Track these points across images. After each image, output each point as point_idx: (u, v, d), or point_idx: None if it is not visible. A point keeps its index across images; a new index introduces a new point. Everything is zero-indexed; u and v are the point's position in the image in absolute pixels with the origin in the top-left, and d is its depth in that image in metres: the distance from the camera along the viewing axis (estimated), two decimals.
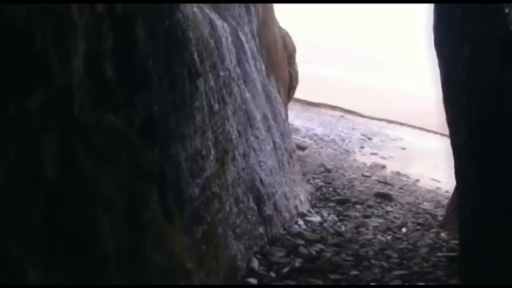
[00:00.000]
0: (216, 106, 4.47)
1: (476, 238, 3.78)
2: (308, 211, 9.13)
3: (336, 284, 5.52)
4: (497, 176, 3.40)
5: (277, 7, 11.52)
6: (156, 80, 2.32)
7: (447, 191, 15.25)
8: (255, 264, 5.54)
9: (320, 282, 5.46)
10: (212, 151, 3.90)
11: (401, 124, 28.81)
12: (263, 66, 9.16)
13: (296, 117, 24.84)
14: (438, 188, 16.18)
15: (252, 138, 6.50)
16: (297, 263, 5.93)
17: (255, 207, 6.09)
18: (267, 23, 10.43)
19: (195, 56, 3.54)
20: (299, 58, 13.76)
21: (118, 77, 2.03)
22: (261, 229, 6.20)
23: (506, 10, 3.21)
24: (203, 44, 4.38)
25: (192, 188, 3.09)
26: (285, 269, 5.70)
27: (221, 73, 5.24)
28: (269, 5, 10.62)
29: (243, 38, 7.63)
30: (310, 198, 10.19)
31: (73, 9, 1.86)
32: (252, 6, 8.69)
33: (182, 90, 2.92)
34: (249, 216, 5.74)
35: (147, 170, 2.21)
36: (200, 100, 3.53)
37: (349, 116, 29.27)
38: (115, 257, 1.87)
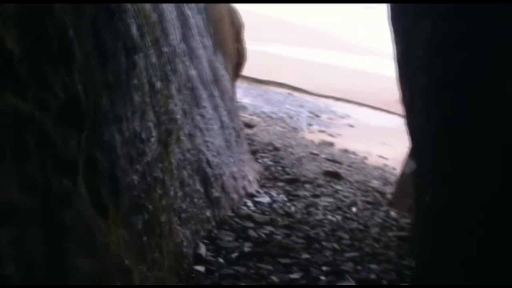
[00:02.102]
0: (159, 84, 4.15)
1: (435, 223, 3.62)
2: (257, 191, 8.92)
3: (287, 268, 5.33)
4: (458, 159, 3.23)
5: None
6: (79, 55, 1.98)
7: (394, 168, 15.36)
8: (203, 250, 5.30)
9: (270, 267, 5.26)
10: (154, 133, 3.60)
11: (349, 101, 28.93)
12: (210, 42, 8.83)
13: (243, 95, 24.58)
14: (385, 165, 16.30)
15: (198, 118, 6.21)
16: (246, 247, 5.71)
17: (202, 190, 5.83)
18: None
19: (133, 29, 3.21)
20: (247, 34, 13.45)
21: (24, 50, 1.69)
22: (208, 213, 5.95)
23: None
24: (144, 17, 4.04)
25: (130, 176, 2.80)
26: (234, 254, 5.48)
27: (165, 49, 4.92)
28: None
29: (188, 13, 7.29)
30: (258, 178, 9.98)
31: None
32: None
33: (116, 67, 2.60)
34: (195, 200, 5.47)
35: (69, 162, 1.89)
36: (139, 78, 3.21)
37: (297, 94, 29.19)
38: (20, 276, 1.56)
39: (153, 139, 3.53)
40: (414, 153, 4.53)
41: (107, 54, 2.42)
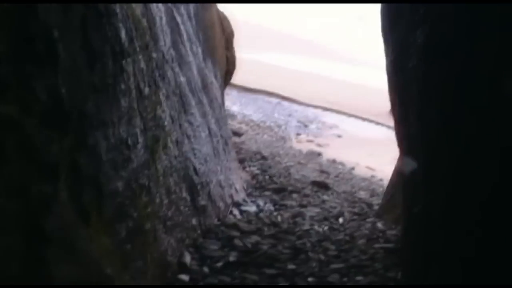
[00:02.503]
0: (147, 90, 4.10)
1: (427, 236, 3.58)
2: (244, 200, 8.87)
3: (273, 278, 5.28)
4: (451, 170, 3.20)
5: None
6: (64, 57, 1.93)
7: (381, 179, 15.36)
8: (187, 258, 5.23)
9: (255, 278, 5.20)
10: (141, 139, 3.54)
11: (338, 111, 28.95)
12: (199, 49, 8.79)
13: (232, 103, 24.55)
14: (372, 176, 16.29)
15: (186, 125, 6.15)
16: (232, 256, 5.65)
17: (188, 198, 5.77)
18: (204, 5, 10.04)
19: (122, 34, 3.16)
20: (237, 42, 13.43)
21: (6, 50, 1.64)
22: (194, 221, 5.88)
23: None
24: (134, 22, 4.00)
25: (115, 182, 2.74)
26: (219, 264, 5.42)
27: (154, 55, 4.87)
28: None
29: (178, 19, 7.24)
30: (245, 187, 9.93)
31: None
32: None
33: (104, 71, 2.55)
34: (181, 207, 5.41)
35: (51, 167, 1.83)
36: (127, 83, 3.16)
37: (285, 103, 29.19)
38: None
39: (139, 146, 3.47)
40: (405, 168, 4.49)
41: (94, 57, 2.37)
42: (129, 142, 3.13)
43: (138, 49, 3.98)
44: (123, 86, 3.02)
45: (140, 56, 4.11)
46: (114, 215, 2.72)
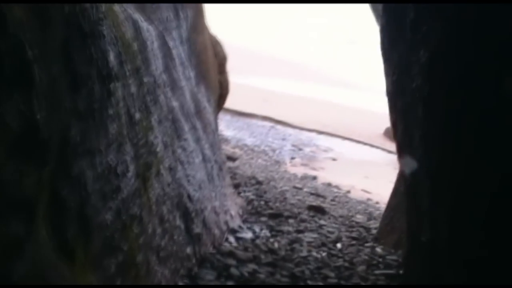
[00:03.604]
0: (138, 115, 3.93)
1: (434, 263, 3.40)
2: (239, 226, 8.66)
3: None
4: (459, 196, 3.03)
5: (209, 13, 11.06)
6: (41, 79, 1.75)
7: (377, 202, 15.20)
8: None
9: None
10: (131, 167, 3.37)
11: (332, 135, 28.92)
12: (192, 74, 8.66)
13: (226, 127, 24.46)
14: (368, 199, 16.12)
15: (179, 151, 5.98)
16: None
17: (182, 226, 5.57)
18: (197, 29, 9.93)
19: (111, 57, 3.01)
20: (230, 67, 13.33)
21: None
22: (188, 250, 5.68)
23: (466, 10, 2.86)
24: (123, 46, 3.84)
25: (102, 214, 2.55)
26: None
27: (145, 79, 4.72)
28: (199, 10, 10.15)
29: (171, 43, 7.12)
30: (241, 213, 9.73)
31: None
32: (181, 11, 8.18)
33: (89, 95, 2.38)
34: (175, 237, 5.21)
35: (23, 203, 1.64)
36: (116, 108, 2.99)
37: (279, 127, 29.14)
38: None
39: (129, 174, 3.29)
40: (409, 191, 4.29)
41: (78, 81, 2.20)
42: (118, 170, 2.95)
43: (128, 73, 3.82)
44: (111, 112, 2.85)
45: (131, 81, 3.95)
46: (102, 249, 2.53)
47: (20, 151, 1.59)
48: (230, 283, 5.55)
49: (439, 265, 3.29)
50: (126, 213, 3.13)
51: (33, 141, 1.66)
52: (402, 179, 4.60)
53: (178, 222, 5.42)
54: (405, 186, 4.41)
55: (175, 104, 6.31)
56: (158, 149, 4.80)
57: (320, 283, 5.94)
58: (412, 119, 3.73)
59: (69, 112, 2.04)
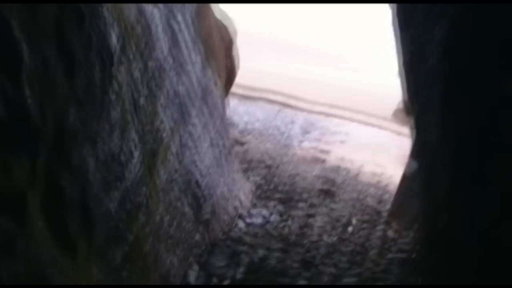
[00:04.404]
0: (142, 101, 3.82)
1: (450, 253, 3.29)
2: (249, 211, 8.56)
3: None
4: (480, 181, 2.89)
5: None
6: (31, 62, 1.62)
7: (387, 185, 15.04)
8: (192, 277, 4.94)
9: None
10: (136, 154, 3.26)
11: (340, 117, 28.67)
12: (198, 58, 8.53)
13: (234, 111, 24.28)
14: (378, 181, 15.95)
15: (186, 136, 5.87)
16: (239, 273, 5.36)
17: (191, 212, 5.48)
18: (202, 13, 9.79)
19: (112, 40, 2.89)
20: (237, 50, 13.16)
21: None
22: (198, 236, 5.59)
23: None
24: (126, 29, 3.72)
25: (105, 204, 2.45)
26: (226, 281, 5.13)
27: (150, 63, 4.60)
28: None
29: (175, 27, 6.98)
30: (250, 197, 9.64)
31: None
32: None
33: (89, 80, 2.26)
34: (184, 223, 5.12)
35: (11, 197, 1.51)
36: (118, 93, 2.88)
37: (288, 110, 28.90)
38: None
39: (134, 161, 3.18)
40: (426, 175, 4.14)
41: (76, 65, 2.08)
42: (122, 158, 2.84)
43: (131, 57, 3.70)
44: (113, 97, 2.74)
45: (134, 65, 3.84)
46: (106, 241, 2.43)
47: (8, 141, 1.47)
48: (240, 269, 5.47)
49: (457, 252, 3.18)
50: (131, 202, 3.02)
51: (23, 129, 1.54)
52: (415, 163, 4.45)
53: (186, 208, 5.33)
54: (419, 171, 4.27)
55: (181, 88, 6.19)
56: (164, 135, 4.70)
57: (332, 269, 5.84)
58: (427, 100, 3.57)
59: (66, 98, 1.93)
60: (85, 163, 2.14)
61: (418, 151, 4.29)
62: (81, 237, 2.06)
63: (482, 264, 2.93)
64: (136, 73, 3.80)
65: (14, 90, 1.46)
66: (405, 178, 8.99)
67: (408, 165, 8.85)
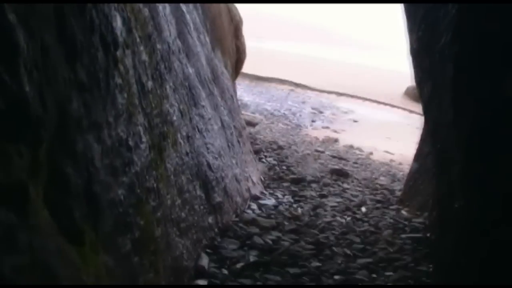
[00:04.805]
0: (150, 84, 3.76)
1: (468, 233, 3.22)
2: (262, 193, 8.55)
3: (297, 278, 4.95)
4: (492, 165, 2.81)
5: None
6: (28, 47, 1.56)
7: (400, 163, 14.98)
8: (205, 261, 4.92)
9: (278, 278, 4.88)
10: (145, 138, 3.21)
11: (352, 96, 28.60)
12: (207, 39, 8.45)
13: (245, 92, 24.27)
14: (391, 160, 15.91)
15: (197, 118, 5.82)
16: (252, 256, 5.33)
17: (203, 195, 5.44)
18: None
19: (117, 23, 2.83)
20: (246, 31, 13.06)
21: None
22: (210, 219, 5.56)
23: None
24: (133, 11, 3.66)
25: (114, 190, 2.40)
26: (239, 264, 5.10)
27: (158, 46, 4.53)
28: None
29: (184, 8, 6.91)
30: (263, 179, 9.61)
31: None
32: None
33: (92, 64, 2.20)
34: (196, 206, 5.09)
35: (11, 188, 1.47)
36: (124, 77, 2.82)
37: (299, 90, 28.88)
38: None
39: (143, 145, 3.14)
40: (438, 157, 4.06)
41: (78, 49, 2.03)
42: (130, 142, 2.80)
43: (138, 40, 3.64)
44: (119, 81, 2.68)
45: (142, 48, 3.78)
46: (115, 227, 2.39)
47: (6, 130, 1.42)
48: (253, 252, 5.43)
49: (472, 232, 3.12)
50: (141, 187, 2.98)
51: (23, 117, 1.49)
52: (428, 142, 4.36)
53: (199, 191, 5.29)
54: (433, 151, 4.18)
55: (191, 70, 6.13)
56: (174, 118, 4.65)
57: (346, 250, 5.80)
58: (440, 79, 3.47)
59: (68, 83, 1.88)
60: (90, 149, 2.09)
61: (430, 132, 4.19)
62: (88, 224, 2.02)
63: (495, 246, 2.88)
64: (144, 56, 3.74)
65: (10, 78, 1.41)
66: (417, 159, 8.92)
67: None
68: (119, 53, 2.74)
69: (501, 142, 2.76)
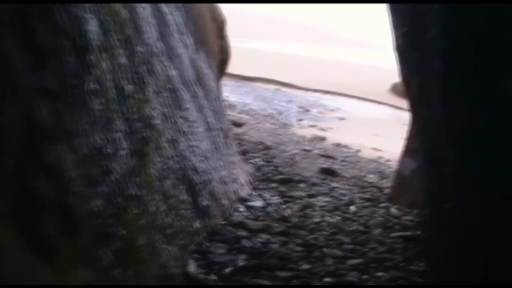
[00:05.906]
0: (130, 88, 3.66)
1: (460, 235, 3.15)
2: (249, 194, 8.44)
3: (287, 282, 4.86)
4: (487, 164, 2.73)
5: None
6: None
7: (388, 160, 14.92)
8: (192, 267, 4.82)
9: (268, 282, 4.79)
10: (125, 144, 3.11)
11: (338, 94, 28.56)
12: (190, 40, 8.33)
13: (231, 93, 24.14)
14: (379, 157, 15.84)
15: (181, 121, 5.71)
16: (241, 260, 5.23)
17: (189, 199, 5.35)
18: None
19: (91, 26, 2.72)
20: (230, 31, 12.94)
21: None
22: (197, 223, 5.46)
23: None
24: (110, 13, 3.55)
25: (91, 201, 2.30)
26: (228, 269, 5.00)
27: (138, 48, 4.43)
28: None
29: (165, 9, 6.78)
30: (250, 180, 9.50)
31: None
32: None
33: (62, 70, 2.10)
34: (182, 211, 4.99)
35: None
36: (100, 82, 2.71)
37: (285, 89, 28.80)
38: None
39: (123, 152, 3.03)
40: (427, 154, 3.97)
41: (44, 55, 1.92)
42: (109, 149, 2.69)
43: (116, 43, 3.54)
44: (93, 86, 2.57)
45: (121, 51, 3.68)
46: (94, 240, 2.28)
47: None
48: (242, 256, 5.34)
49: (467, 232, 3.04)
50: (122, 195, 2.88)
51: None
52: (416, 138, 4.27)
53: (185, 196, 5.20)
54: (421, 148, 4.10)
55: (173, 72, 6.01)
56: (157, 122, 4.55)
57: (336, 251, 5.71)
58: (428, 75, 3.38)
59: (34, 91, 1.77)
60: (63, 159, 1.99)
61: (419, 129, 4.10)
62: (63, 239, 1.92)
63: (490, 246, 2.80)
64: (122, 60, 3.64)
65: None
66: (405, 155, 8.85)
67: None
68: (93, 57, 2.63)
69: (497, 141, 2.68)
